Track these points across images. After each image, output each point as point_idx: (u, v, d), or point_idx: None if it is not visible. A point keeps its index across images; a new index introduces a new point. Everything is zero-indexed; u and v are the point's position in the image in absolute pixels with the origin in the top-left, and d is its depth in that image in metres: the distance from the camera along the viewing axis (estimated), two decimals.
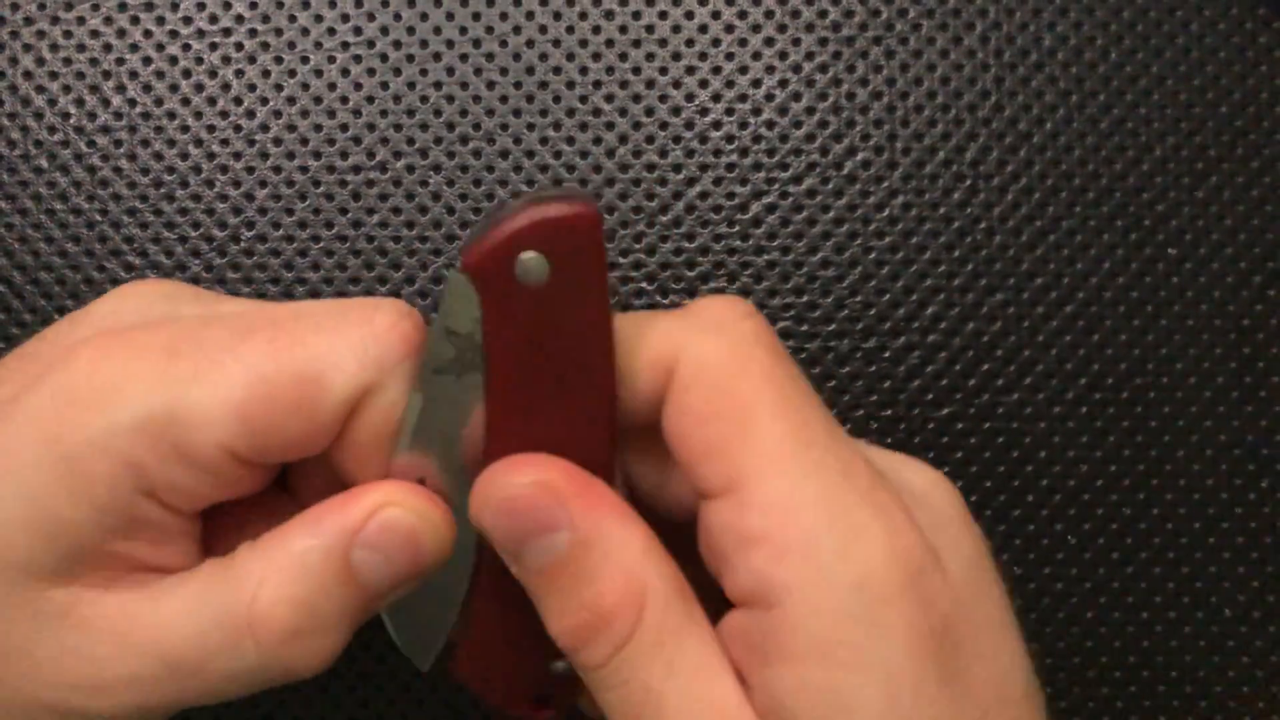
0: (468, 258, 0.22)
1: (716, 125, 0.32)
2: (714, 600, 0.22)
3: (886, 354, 0.32)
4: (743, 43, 0.33)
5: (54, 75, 0.32)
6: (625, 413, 0.23)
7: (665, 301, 0.32)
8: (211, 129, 0.32)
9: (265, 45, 0.32)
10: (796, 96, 0.33)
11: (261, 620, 0.21)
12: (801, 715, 0.19)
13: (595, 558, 0.21)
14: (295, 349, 0.22)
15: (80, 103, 0.32)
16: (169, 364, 0.22)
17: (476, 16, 0.32)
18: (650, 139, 0.32)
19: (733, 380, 0.21)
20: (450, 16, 0.32)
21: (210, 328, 0.23)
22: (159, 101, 0.32)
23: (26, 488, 0.21)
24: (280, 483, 0.25)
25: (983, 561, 0.21)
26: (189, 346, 0.22)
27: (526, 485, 0.22)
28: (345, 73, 0.32)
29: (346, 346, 0.22)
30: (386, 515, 0.22)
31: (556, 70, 0.32)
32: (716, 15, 0.33)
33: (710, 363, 0.21)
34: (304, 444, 0.22)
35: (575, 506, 0.21)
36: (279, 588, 0.21)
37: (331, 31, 0.32)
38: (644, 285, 0.32)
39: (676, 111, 0.32)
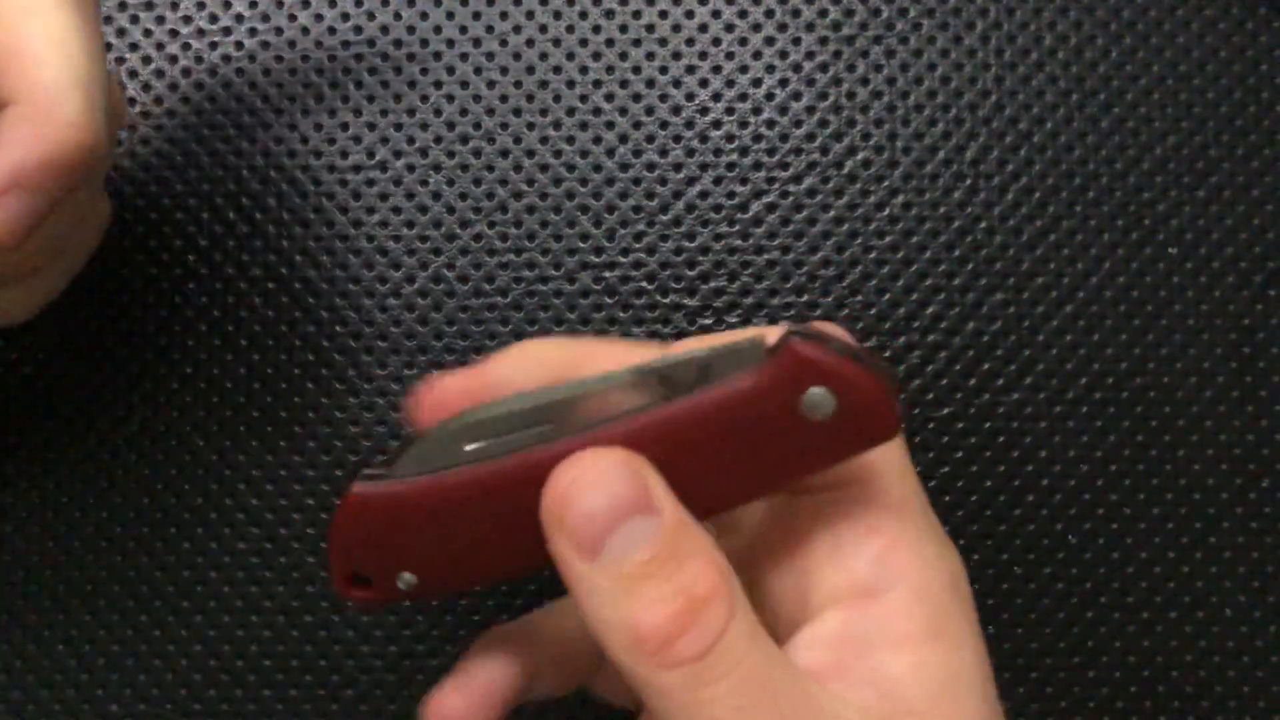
0: (790, 353, 0.21)
1: (717, 124, 0.32)
2: None
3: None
4: (743, 42, 0.33)
5: None
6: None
7: (665, 301, 0.32)
8: (212, 127, 0.32)
9: (265, 45, 0.32)
10: (797, 95, 0.32)
11: None
12: (916, 691, 0.21)
13: (690, 542, 0.20)
14: None
15: None
16: None
17: (476, 16, 0.32)
18: (650, 138, 0.32)
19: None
20: (450, 16, 0.32)
21: None
22: (159, 101, 0.32)
23: None
24: None
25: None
26: None
27: (620, 463, 0.21)
28: (346, 71, 0.32)
29: None
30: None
31: (556, 70, 0.32)
32: (717, 14, 0.32)
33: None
34: None
35: (659, 492, 0.21)
36: None
37: (332, 31, 0.32)
38: (644, 285, 0.32)
39: (676, 110, 0.32)
